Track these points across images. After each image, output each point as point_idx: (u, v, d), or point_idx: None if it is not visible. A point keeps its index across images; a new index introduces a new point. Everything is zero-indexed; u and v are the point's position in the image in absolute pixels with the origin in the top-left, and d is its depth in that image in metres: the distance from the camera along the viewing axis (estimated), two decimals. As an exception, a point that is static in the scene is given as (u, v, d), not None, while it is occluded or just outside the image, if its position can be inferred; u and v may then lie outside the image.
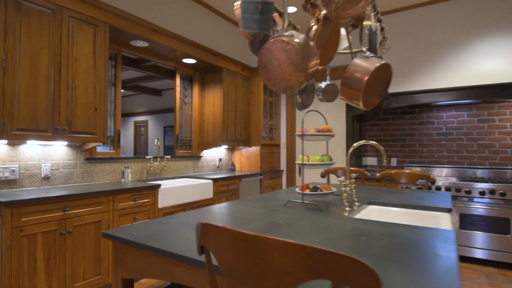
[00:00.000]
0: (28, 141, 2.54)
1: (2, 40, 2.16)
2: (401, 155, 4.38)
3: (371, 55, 1.48)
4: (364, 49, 1.56)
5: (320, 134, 1.84)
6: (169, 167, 3.93)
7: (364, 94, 1.42)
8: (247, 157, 4.92)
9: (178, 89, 4.20)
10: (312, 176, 5.18)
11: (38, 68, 2.36)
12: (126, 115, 10.94)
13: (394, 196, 2.26)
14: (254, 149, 4.86)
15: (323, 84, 2.63)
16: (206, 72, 4.48)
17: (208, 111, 4.43)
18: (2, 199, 2.01)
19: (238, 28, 4.72)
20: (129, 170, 3.29)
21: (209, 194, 3.67)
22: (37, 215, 2.15)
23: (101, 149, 3.29)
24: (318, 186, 1.88)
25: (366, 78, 1.40)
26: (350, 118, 4.20)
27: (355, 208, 1.80)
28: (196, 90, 4.43)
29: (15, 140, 2.25)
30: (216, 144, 4.34)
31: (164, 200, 3.07)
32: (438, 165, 4.07)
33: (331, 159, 1.92)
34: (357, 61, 1.47)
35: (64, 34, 2.52)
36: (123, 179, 3.25)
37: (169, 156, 3.84)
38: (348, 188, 1.80)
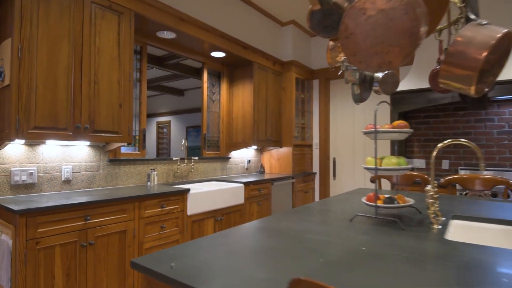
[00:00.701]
0: (47, 141, 2.29)
1: (17, 27, 1.92)
2: (453, 157, 3.88)
3: (485, 22, 1.09)
4: (472, 16, 1.16)
5: (397, 131, 1.45)
6: (196, 169, 3.64)
7: (479, 75, 1.04)
8: (277, 158, 4.57)
9: (205, 85, 3.91)
10: (355, 180, 4.75)
11: (58, 59, 2.11)
12: (148, 115, 10.85)
13: (477, 207, 1.84)
14: (286, 150, 4.49)
15: (380, 74, 2.23)
16: (235, 67, 4.17)
17: (237, 109, 4.11)
18: (17, 207, 1.75)
19: (268, 19, 4.38)
20: (155, 173, 3.01)
21: (240, 199, 3.34)
22: (56, 224, 1.88)
23: (124, 150, 3.03)
24: (394, 197, 1.50)
25: (484, 53, 1.01)
26: (396, 115, 3.76)
27: (439, 224, 1.41)
28: (224, 86, 4.12)
29: (31, 139, 2.00)
30: (245, 144, 4.01)
31: (193, 207, 2.77)
32: (502, 168, 3.55)
33: (407, 163, 1.53)
34: (467, 31, 1.09)
35: (86, 21, 2.26)
36: (148, 183, 2.98)
37: (196, 158, 3.55)
38: (434, 200, 1.40)
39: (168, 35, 3.11)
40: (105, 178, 2.72)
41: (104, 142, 2.67)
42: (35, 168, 2.28)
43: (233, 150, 4.14)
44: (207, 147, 3.92)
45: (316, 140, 5.01)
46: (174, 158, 3.28)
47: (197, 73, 7.43)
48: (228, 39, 3.57)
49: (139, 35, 3.08)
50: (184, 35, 3.15)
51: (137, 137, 3.10)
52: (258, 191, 3.64)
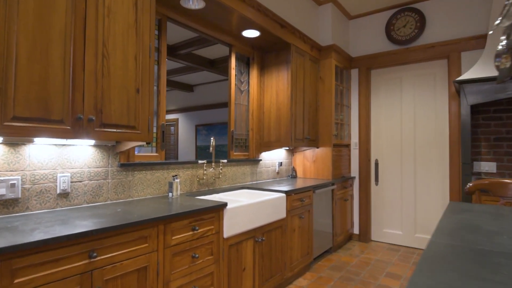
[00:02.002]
0: (36, 139, 1.63)
1: (-13, -37, 1.25)
2: (535, 160, 3.20)
3: None
4: None
5: None
6: (224, 174, 2.96)
7: None
8: (313, 160, 3.89)
9: (233, 72, 3.23)
10: (403, 186, 4.06)
11: (50, 18, 1.43)
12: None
13: None
14: (323, 151, 3.81)
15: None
16: (267, 52, 3.49)
17: (269, 102, 3.44)
18: (-20, 245, 1.09)
19: (304, -4, 3.70)
20: (178, 181, 2.34)
21: (282, 213, 2.67)
22: (45, 269, 1.21)
23: (137, 151, 2.37)
24: None
25: None
26: (467, 109, 3.07)
27: None
28: (254, 74, 3.45)
29: (10, 136, 1.33)
30: (280, 144, 3.33)
31: (230, 226, 2.10)
32: None
33: None
34: None
35: (91, -32, 1.59)
36: (170, 194, 2.31)
37: (225, 161, 2.87)
38: None
39: (195, 3, 2.43)
40: (115, 189, 2.06)
41: (115, 141, 2.00)
42: (19, 177, 1.61)
43: (264, 151, 3.47)
44: (235, 147, 3.25)
45: (355, 139, 4.32)
46: (200, 162, 2.61)
47: (211, 65, 6.76)
48: (265, 14, 2.89)
49: (159, 4, 2.41)
50: (215, 4, 2.47)
51: (155, 135, 2.43)
52: (301, 202, 2.97)
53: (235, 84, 3.27)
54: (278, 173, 3.78)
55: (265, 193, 2.80)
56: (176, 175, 2.36)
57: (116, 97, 1.69)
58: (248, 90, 3.45)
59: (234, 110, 3.23)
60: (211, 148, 2.57)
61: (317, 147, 3.84)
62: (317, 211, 3.32)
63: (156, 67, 2.46)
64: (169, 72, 7.14)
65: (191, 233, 1.82)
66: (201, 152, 8.60)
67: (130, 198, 2.16)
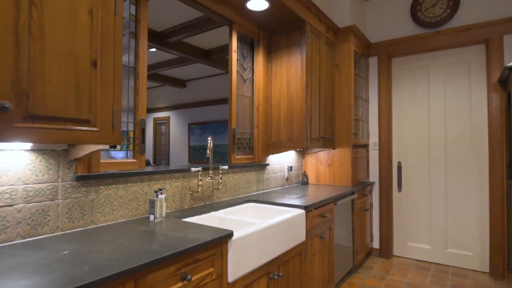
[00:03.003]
0: None
1: None
2: None
3: None
4: None
5: None
6: (224, 184, 2.33)
7: None
8: (328, 164, 3.27)
9: (234, 55, 2.59)
10: (432, 193, 3.46)
11: None
12: (144, 111, 9.41)
13: None
14: (341, 152, 3.20)
15: None
16: (277, 32, 2.85)
17: (278, 93, 2.81)
18: None
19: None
20: (164, 197, 1.70)
21: (301, 235, 2.05)
22: None
23: (107, 156, 1.72)
24: None
25: None
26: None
27: None
28: (260, 60, 2.81)
29: None
30: (293, 144, 2.70)
31: (237, 264, 1.46)
32: None
33: None
34: None
35: None
36: (152, 216, 1.66)
37: (225, 167, 2.23)
38: None
39: (185, -46, 1.78)
40: (68, 213, 1.40)
41: (59, 143, 1.35)
42: None
43: (272, 153, 2.83)
44: (237, 148, 2.61)
45: (374, 139, 3.72)
46: (193, 169, 1.96)
47: (205, 56, 6.10)
48: (276, -21, 2.25)
49: (134, -45, 1.75)
50: (212, -42, 1.83)
51: (130, 134, 1.78)
52: (321, 218, 2.35)
53: (237, 70, 2.63)
54: (287, 179, 3.16)
55: (277, 208, 2.17)
56: (161, 189, 1.72)
57: (55, 73, 1.04)
58: (253, 79, 2.81)
59: (236, 103, 2.59)
60: (208, 151, 1.92)
61: (333, 148, 3.22)
62: (336, 226, 2.71)
63: (133, 41, 1.81)
64: (159, 65, 6.46)
65: (180, 284, 1.18)
66: (195, 152, 7.94)
67: (93, 224, 1.50)
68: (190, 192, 2.03)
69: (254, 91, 2.80)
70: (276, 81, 2.81)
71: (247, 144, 2.74)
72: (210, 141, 1.97)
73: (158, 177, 1.83)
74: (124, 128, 1.75)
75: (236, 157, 2.59)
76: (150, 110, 9.18)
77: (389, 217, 3.62)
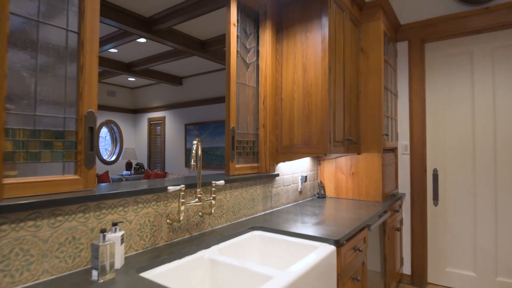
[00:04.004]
0: None
1: None
2: None
3: None
4: None
5: None
6: (220, 204, 1.68)
7: None
8: (351, 173, 2.62)
9: (233, 30, 1.94)
10: (477, 207, 2.79)
11: None
12: (138, 110, 8.82)
13: None
14: (368, 158, 2.55)
15: None
16: (288, 4, 2.20)
17: (290, 82, 2.15)
18: None
19: None
20: (121, 235, 1.05)
21: (331, 283, 1.39)
22: None
23: (25, 171, 1.07)
24: None
25: None
26: None
27: None
28: (267, 38, 2.16)
29: None
30: (311, 149, 2.05)
31: None
32: None
33: None
34: None
35: None
36: (95, 272, 1.00)
37: (220, 182, 1.57)
38: None
39: None
40: None
41: None
42: None
43: (283, 161, 2.18)
44: (238, 155, 1.96)
45: (404, 141, 3.07)
46: (171, 189, 1.30)
47: (202, 48, 5.45)
48: None
49: None
50: None
51: (69, 136, 1.13)
52: (354, 252, 1.69)
53: (237, 51, 1.98)
54: (300, 192, 2.50)
55: (295, 242, 1.51)
56: (116, 224, 1.07)
57: None
58: (257, 64, 2.16)
59: (235, 95, 1.94)
60: (192, 161, 1.27)
61: (359, 153, 2.57)
62: (373, 262, 2.05)
63: (76, -7, 1.16)
64: (151, 59, 5.82)
65: None
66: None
67: (-16, 295, 0.86)
68: (168, 221, 1.38)
69: (260, 80, 2.15)
70: (288, 66, 2.16)
71: (251, 149, 2.09)
72: (196, 145, 1.31)
73: (114, 203, 1.18)
74: (58, 127, 1.10)
75: (237, 166, 1.94)
76: (144, 110, 8.55)
77: (423, 236, 2.96)
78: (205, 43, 5.05)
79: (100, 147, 8.01)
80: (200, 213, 1.54)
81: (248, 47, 2.09)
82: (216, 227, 1.66)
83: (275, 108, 2.19)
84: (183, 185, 1.35)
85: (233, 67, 1.92)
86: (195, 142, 1.31)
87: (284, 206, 2.26)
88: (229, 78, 1.90)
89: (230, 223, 1.75)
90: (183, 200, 1.35)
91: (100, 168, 7.90)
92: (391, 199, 2.64)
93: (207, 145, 6.96)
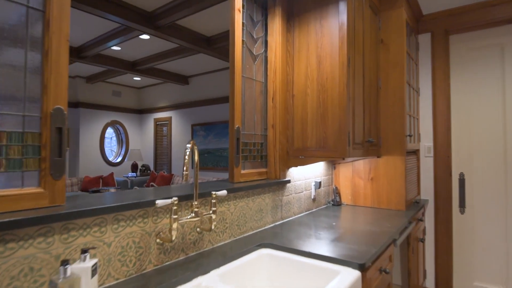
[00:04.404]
0: None
1: None
2: None
3: None
4: None
5: None
6: (222, 218, 1.44)
7: None
8: (369, 178, 2.35)
9: (238, 17, 1.70)
10: (508, 216, 2.50)
11: None
12: (143, 111, 8.66)
13: None
14: (389, 162, 2.28)
15: None
16: (299, -13, 1.96)
17: (303, 76, 1.90)
18: None
19: None
20: (94, 264, 0.82)
21: (355, 317, 1.14)
22: None
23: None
24: None
25: None
26: None
27: None
28: (276, 27, 1.91)
29: None
30: (327, 152, 1.79)
31: None
32: None
33: None
34: None
35: None
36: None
37: (223, 191, 1.33)
38: None
39: None
40: None
41: None
42: None
43: (296, 165, 1.93)
44: (243, 159, 1.72)
45: (427, 142, 2.79)
46: (159, 204, 1.07)
47: (208, 45, 5.20)
48: None
49: None
50: None
51: (30, 139, 0.90)
52: (380, 274, 1.44)
53: (243, 41, 1.74)
54: (314, 200, 2.25)
55: (310, 264, 1.26)
56: (85, 251, 0.84)
57: None
58: (266, 56, 1.92)
59: (240, 91, 1.70)
60: (184, 168, 1.03)
61: (378, 156, 2.30)
62: (397, 279, 1.79)
63: (41, -37, 0.94)
64: (156, 57, 5.63)
65: None
66: (200, 160, 7.07)
67: None
68: (158, 240, 1.15)
69: (269, 74, 1.91)
70: (300, 58, 1.91)
71: (258, 152, 1.85)
72: (190, 148, 1.08)
73: (87, 223, 0.95)
74: (16, 128, 0.88)
75: (242, 172, 1.70)
76: (150, 110, 8.38)
77: (448, 247, 2.68)
78: (210, 40, 4.83)
79: (105, 148, 7.88)
80: (198, 229, 1.31)
81: (255, 36, 1.85)
82: (218, 245, 1.42)
83: (285, 106, 1.94)
84: (175, 198, 1.12)
85: (238, 59, 1.68)
86: (189, 145, 1.07)
87: (296, 216, 2.01)
88: (234, 72, 1.66)
89: (234, 239, 1.51)
90: (175, 216, 1.12)
91: (105, 169, 7.77)
92: (415, 207, 2.37)
93: (213, 146, 6.75)
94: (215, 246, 1.40)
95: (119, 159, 8.26)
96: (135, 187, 7.36)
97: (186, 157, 1.04)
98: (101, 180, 7.00)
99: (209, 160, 6.83)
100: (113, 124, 8.07)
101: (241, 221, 1.56)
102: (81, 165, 7.26)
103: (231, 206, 1.50)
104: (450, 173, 2.71)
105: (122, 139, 8.45)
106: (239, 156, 1.67)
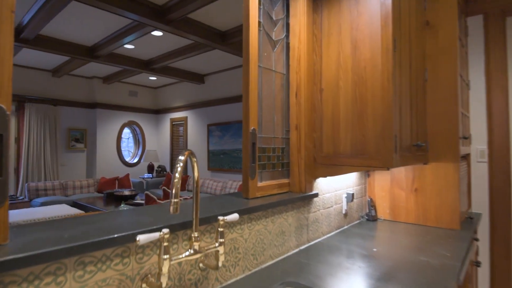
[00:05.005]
0: None
1: None
2: None
3: None
4: None
5: None
6: (233, 246, 1.11)
7: None
8: (413, 188, 1.96)
9: (254, -7, 1.36)
10: None
11: None
12: (160, 111, 8.49)
13: None
14: (439, 169, 1.87)
15: None
16: (329, -44, 1.59)
17: (334, 66, 1.54)
18: None
19: None
20: None
21: None
22: None
23: None
24: None
25: None
26: None
27: None
28: (300, 7, 1.56)
29: None
30: (367, 160, 1.42)
31: None
32: None
33: None
34: None
35: None
36: None
37: (233, 217, 1.01)
38: None
39: None
40: None
41: None
42: None
43: (325, 175, 1.57)
44: (260, 168, 1.38)
45: (480, 145, 2.35)
46: (141, 241, 0.76)
47: (222, 40, 4.89)
48: None
49: None
50: None
51: None
52: (446, 329, 1.06)
53: (259, 22, 1.41)
54: (346, 215, 1.88)
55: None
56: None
57: None
58: (287, 42, 1.58)
59: (256, 85, 1.36)
60: (172, 193, 0.71)
61: (425, 163, 1.90)
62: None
63: None
64: (171, 55, 5.39)
65: None
66: (214, 158, 6.81)
67: None
68: (144, 286, 0.84)
69: (291, 63, 1.56)
70: (330, 43, 1.55)
71: (279, 159, 1.51)
72: (181, 162, 0.75)
73: (36, 272, 0.65)
74: None
75: (259, 184, 1.37)
76: (166, 110, 8.21)
77: (507, 271, 2.23)
78: (225, 34, 4.52)
79: (122, 149, 7.77)
80: (201, 265, 0.99)
81: (274, 18, 1.51)
82: (228, 283, 1.09)
83: (312, 102, 1.59)
84: (165, 230, 0.80)
85: (253, 45, 1.35)
86: (181, 157, 0.75)
87: (325, 237, 1.65)
88: (248, 61, 1.33)
89: (249, 273, 1.18)
90: (166, 256, 0.80)
91: (122, 170, 7.66)
92: (469, 224, 1.95)
93: (230, 146, 6.47)
94: (224, 284, 1.08)
95: (135, 160, 8.14)
96: (147, 191, 7.20)
97: (177, 175, 0.72)
98: (117, 182, 6.87)
99: (225, 161, 6.56)
100: (130, 124, 7.95)
101: (257, 248, 1.22)
102: (98, 166, 7.17)
103: (245, 230, 1.17)
104: (510, 183, 2.26)
105: (139, 140, 8.33)
106: (255, 166, 1.34)
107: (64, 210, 4.26)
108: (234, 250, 1.12)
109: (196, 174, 0.83)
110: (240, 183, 5.59)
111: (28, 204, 5.33)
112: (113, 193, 5.54)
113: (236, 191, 5.53)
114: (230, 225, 1.11)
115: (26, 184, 5.83)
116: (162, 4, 3.67)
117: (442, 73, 1.88)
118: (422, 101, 1.82)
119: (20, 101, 6.13)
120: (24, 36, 4.25)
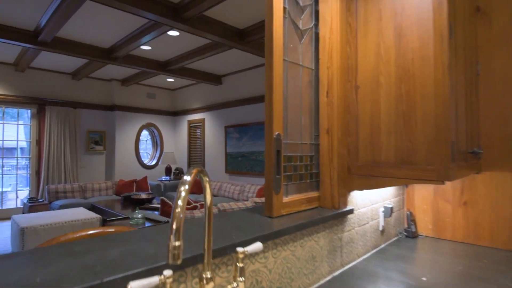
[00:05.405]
0: None
1: None
2: None
3: None
4: None
5: None
6: (254, 279, 0.90)
7: None
8: (462, 201, 1.68)
9: (279, -26, 1.15)
10: None
11: None
12: (178, 113, 8.41)
13: None
14: (493, 179, 1.59)
15: None
16: None
17: (374, 58, 1.30)
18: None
19: None
20: None
21: None
22: None
23: None
24: None
25: None
26: None
27: None
28: (331, -9, 1.34)
29: None
30: (415, 171, 1.18)
31: None
32: None
33: None
34: None
35: None
36: None
37: (256, 245, 0.80)
38: None
39: None
40: None
41: None
42: None
43: (361, 188, 1.33)
44: (286, 180, 1.17)
45: (538, 150, 2.03)
46: (133, 286, 0.57)
47: (240, 38, 4.69)
48: None
49: None
50: None
51: None
52: None
53: (284, 8, 1.19)
54: (383, 232, 1.64)
55: None
56: None
57: None
58: (317, 32, 1.36)
59: (282, 81, 1.15)
60: (172, 231, 0.52)
61: (478, 172, 1.62)
62: None
63: None
64: (188, 55, 5.26)
65: None
66: (232, 161, 6.64)
67: None
68: None
69: (321, 57, 1.34)
70: (368, 33, 1.31)
71: (307, 169, 1.29)
72: (187, 184, 0.56)
73: None
74: None
75: (285, 199, 1.15)
76: (184, 112, 8.13)
77: None
78: (244, 33, 4.34)
79: (140, 151, 7.75)
80: (215, 306, 0.78)
81: (301, 4, 1.29)
82: (248, 325, 0.88)
83: (346, 102, 1.36)
84: (167, 272, 0.60)
85: (277, 35, 1.14)
86: (187, 178, 0.54)
87: (360, 259, 1.42)
88: (271, 53, 1.12)
89: (273, 310, 0.96)
90: (168, 308, 0.60)
91: (141, 173, 7.63)
92: (528, 243, 1.65)
93: (248, 149, 6.28)
94: (244, 328, 0.87)
95: (153, 162, 8.11)
96: (163, 195, 7.11)
97: (179, 202, 0.52)
98: (134, 184, 6.83)
99: (243, 164, 6.37)
100: (148, 126, 7.92)
101: (284, 280, 1.01)
102: (117, 168, 7.16)
103: (269, 259, 0.95)
104: None
105: (157, 142, 8.29)
106: (281, 178, 1.12)
107: (81, 214, 4.19)
108: (256, 284, 0.91)
109: (208, 198, 0.63)
110: (259, 187, 5.37)
111: (47, 206, 5.34)
112: (130, 196, 5.48)
113: (254, 195, 5.32)
114: (252, 254, 0.90)
115: (46, 187, 5.87)
116: (178, 2, 3.52)
117: (497, 66, 1.59)
118: (476, 99, 1.55)
119: (41, 104, 6.20)
120: (42, 39, 4.23)
